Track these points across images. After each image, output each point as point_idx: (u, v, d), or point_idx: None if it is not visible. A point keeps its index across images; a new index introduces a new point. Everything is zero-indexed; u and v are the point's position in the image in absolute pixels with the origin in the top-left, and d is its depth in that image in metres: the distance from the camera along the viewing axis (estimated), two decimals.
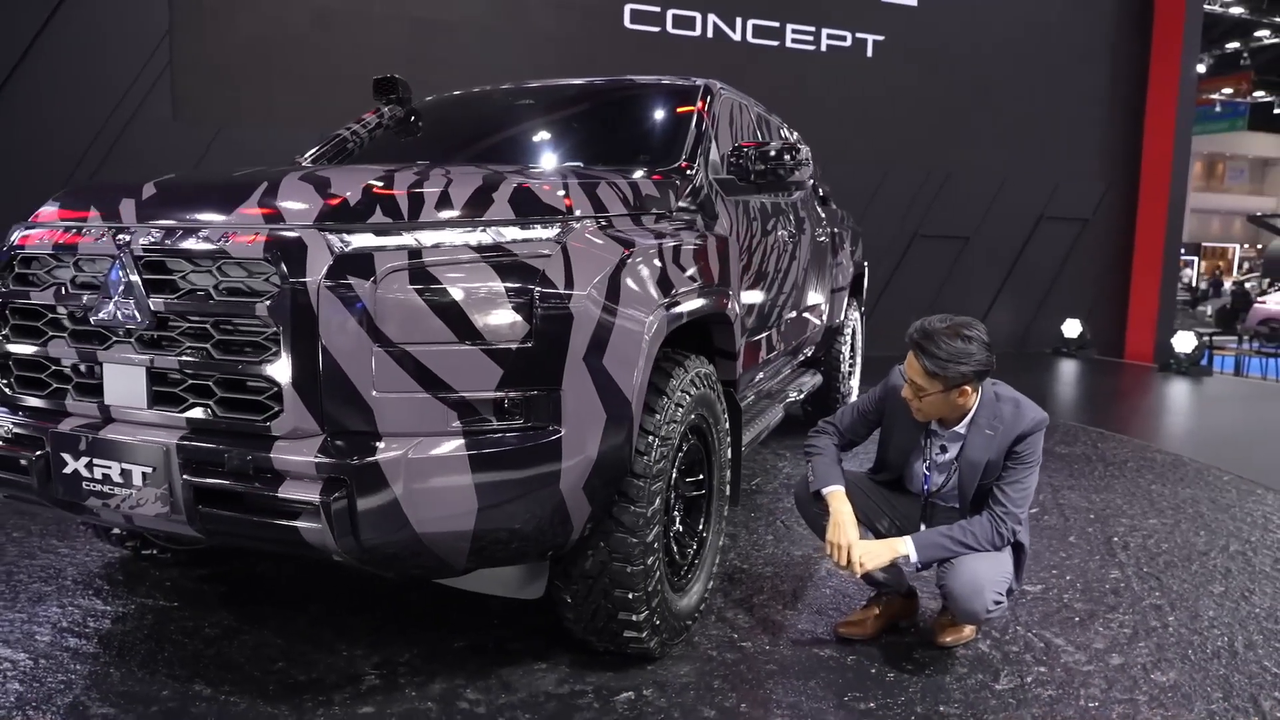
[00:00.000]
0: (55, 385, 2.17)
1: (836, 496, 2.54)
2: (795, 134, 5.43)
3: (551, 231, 2.08)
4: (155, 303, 1.99)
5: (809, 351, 5.24)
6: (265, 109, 7.38)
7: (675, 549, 2.57)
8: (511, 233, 2.03)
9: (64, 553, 3.24)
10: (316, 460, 1.85)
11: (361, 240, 1.94)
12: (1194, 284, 26.30)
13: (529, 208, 2.10)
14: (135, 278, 2.01)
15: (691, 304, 2.47)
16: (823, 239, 4.99)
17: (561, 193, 2.18)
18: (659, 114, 3.52)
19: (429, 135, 3.80)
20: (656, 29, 8.59)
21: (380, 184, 2.05)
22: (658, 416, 2.30)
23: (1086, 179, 10.49)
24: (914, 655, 2.59)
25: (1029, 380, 8.28)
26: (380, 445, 1.87)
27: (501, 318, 1.93)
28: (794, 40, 9.11)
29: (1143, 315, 10.40)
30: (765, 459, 4.96)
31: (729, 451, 2.89)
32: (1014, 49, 9.98)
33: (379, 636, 2.62)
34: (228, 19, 7.18)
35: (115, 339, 2.06)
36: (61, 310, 2.13)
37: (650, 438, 2.27)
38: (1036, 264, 10.38)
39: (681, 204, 2.78)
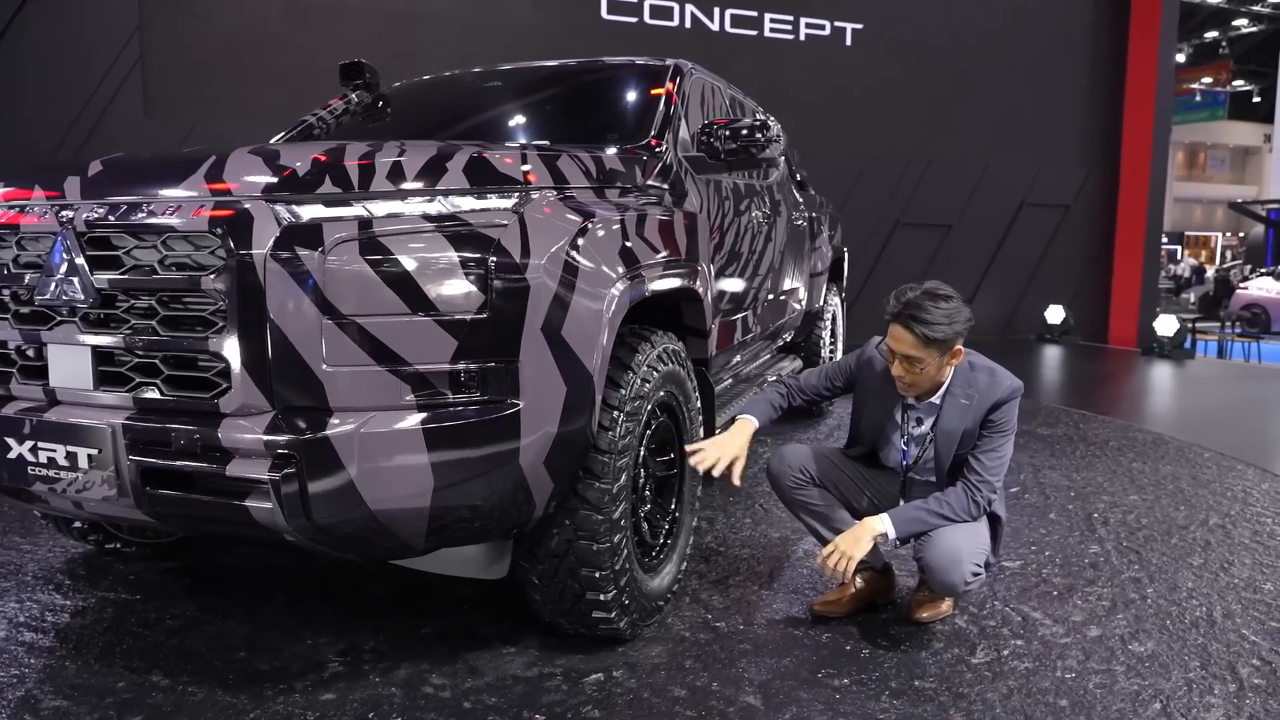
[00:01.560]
0: (4, 369, 2.11)
1: (745, 421, 2.59)
2: (772, 119, 5.39)
3: (508, 202, 2.03)
4: (99, 280, 1.94)
5: (788, 336, 5.21)
6: (241, 104, 7.30)
7: (646, 528, 2.53)
8: (467, 203, 1.98)
9: (26, 549, 3.16)
10: (265, 437, 1.79)
11: (310, 211, 1.88)
12: (1181, 274, 26.43)
13: (485, 178, 2.04)
14: (79, 256, 1.95)
15: (656, 278, 2.42)
16: (800, 223, 4.96)
17: (519, 163, 2.13)
18: (629, 93, 3.48)
19: (397, 120, 3.75)
20: (634, 20, 8.55)
21: (330, 155, 2.00)
22: (623, 391, 2.26)
23: (1067, 165, 10.51)
24: (890, 631, 2.56)
25: (1013, 365, 8.27)
26: (331, 420, 1.81)
27: (456, 288, 1.88)
28: (772, 29, 9.08)
29: (1125, 300, 10.42)
30: None
31: (701, 431, 2.85)
32: (993, 36, 9.99)
33: (345, 624, 2.56)
34: (200, 14, 7.10)
35: (60, 319, 2.00)
36: (4, 292, 2.07)
37: (615, 413, 2.22)
38: (1019, 251, 10.39)
39: (649, 180, 2.73)
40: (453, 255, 1.89)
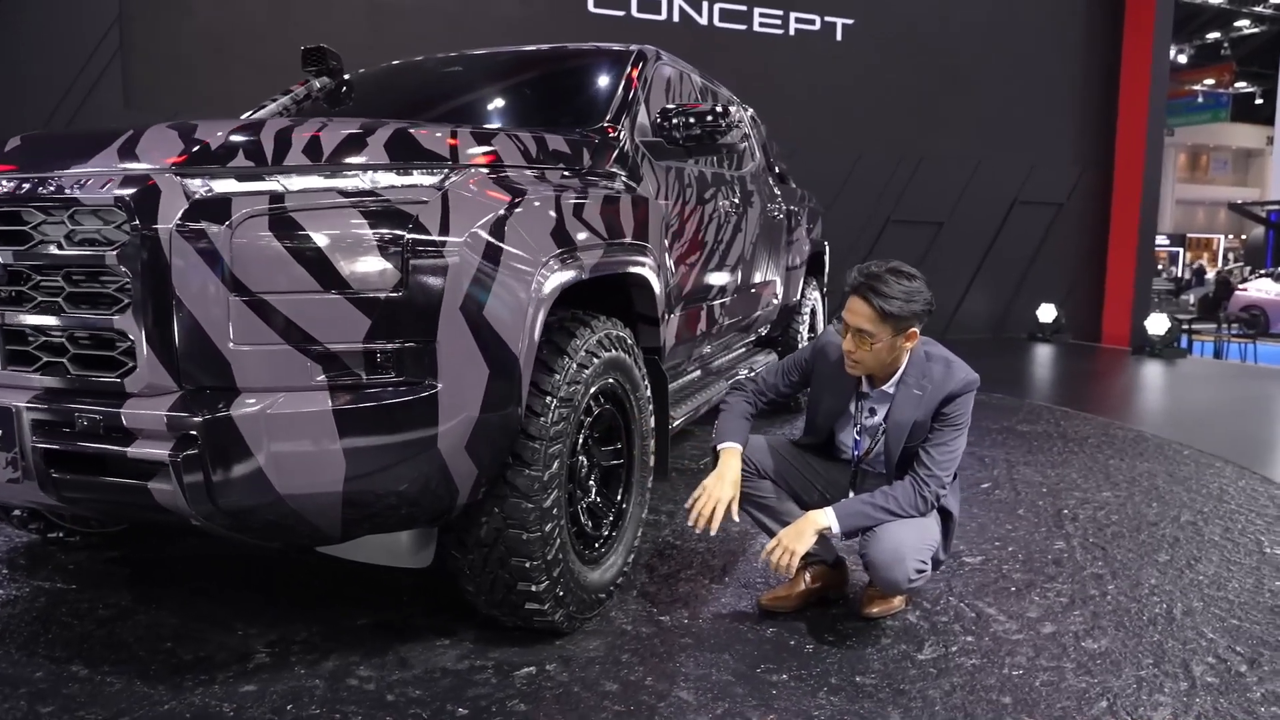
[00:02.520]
0: None
1: (730, 453, 2.48)
2: (750, 110, 5.33)
3: (432, 178, 1.96)
4: (5, 255, 1.88)
5: (764, 329, 5.15)
6: (222, 96, 7.22)
7: (587, 519, 2.46)
8: (387, 178, 1.92)
9: None
10: (167, 416, 1.73)
11: (222, 186, 1.82)
12: (1181, 276, 26.31)
13: (407, 154, 1.98)
14: None
15: (596, 261, 2.36)
16: (776, 215, 4.89)
17: (445, 140, 2.06)
18: (588, 78, 3.41)
19: (359, 105, 3.69)
20: (621, 13, 8.49)
21: (246, 129, 1.94)
22: (556, 377, 2.19)
23: (1061, 163, 10.42)
24: (838, 627, 2.49)
25: (1002, 364, 8.21)
26: (237, 400, 1.75)
27: (370, 265, 1.82)
28: (762, 24, 9.01)
29: (1119, 300, 10.34)
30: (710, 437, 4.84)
31: (651, 421, 2.78)
32: (986, 32, 9.91)
33: (281, 615, 2.50)
34: (181, 4, 7.05)
35: None
36: None
37: (548, 398, 2.16)
38: (1011, 249, 10.31)
39: (599, 164, 2.67)
40: (368, 231, 1.82)
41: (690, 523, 2.40)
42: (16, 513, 2.89)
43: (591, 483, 2.53)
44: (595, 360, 2.34)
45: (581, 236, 2.27)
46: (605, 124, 2.95)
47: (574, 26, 8.18)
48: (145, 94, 7.07)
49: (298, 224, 1.80)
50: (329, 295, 1.79)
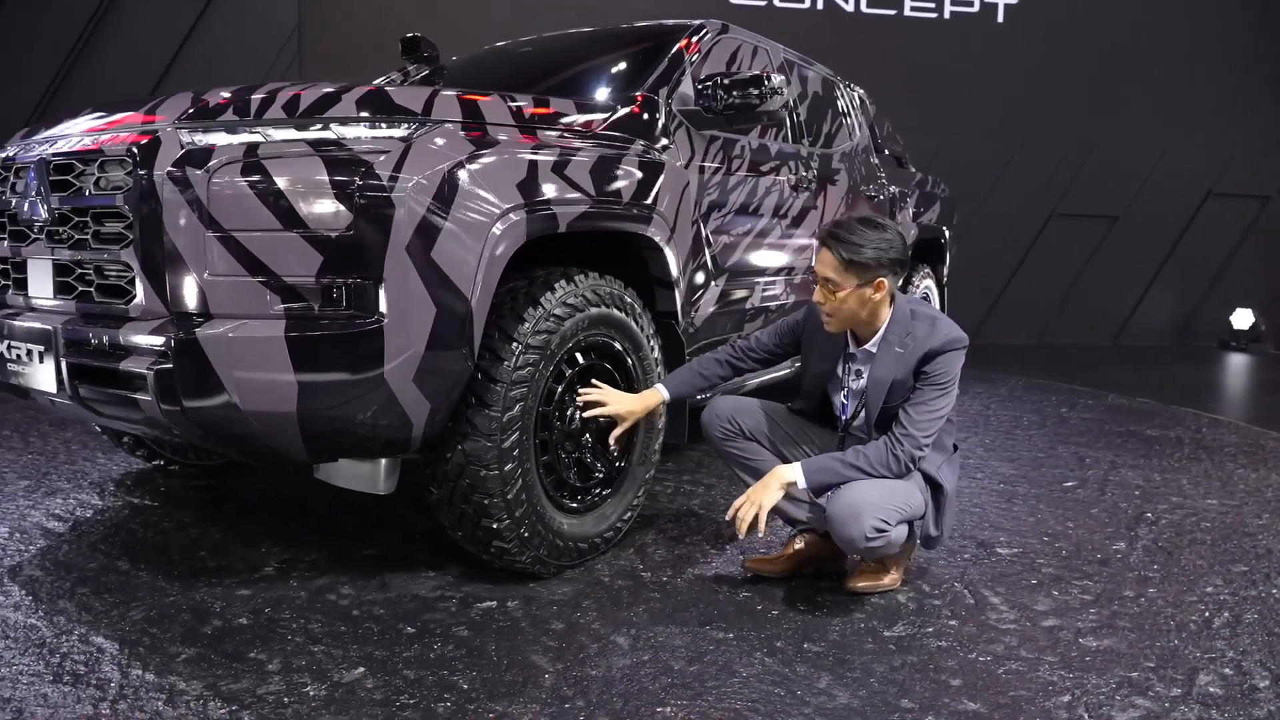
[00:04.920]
0: (4, 282, 2.47)
1: (652, 391, 2.56)
2: (859, 91, 5.16)
3: (401, 131, 2.12)
4: (56, 200, 2.22)
5: None
6: None
7: (573, 470, 2.53)
8: (355, 131, 2.09)
9: (100, 461, 3.64)
10: (149, 337, 1.99)
11: (210, 138, 2.06)
12: None
13: (378, 109, 2.14)
14: (43, 181, 2.24)
15: (577, 216, 2.41)
16: (875, 196, 4.71)
17: (421, 98, 2.21)
18: (642, 51, 3.47)
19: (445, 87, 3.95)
20: (763, 2, 8.42)
21: (241, 90, 2.17)
22: (526, 325, 2.28)
23: (1267, 152, 9.18)
24: (817, 598, 2.41)
25: (1175, 373, 7.39)
26: (207, 324, 1.98)
27: (325, 207, 1.99)
28: (914, 8, 8.62)
29: None
30: None
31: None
32: (1168, 6, 8.93)
33: (301, 541, 2.76)
34: (347, 13, 7.77)
35: (33, 236, 2.31)
36: (5, 216, 2.42)
37: (513, 344, 2.25)
38: (1202, 247, 9.21)
39: (612, 127, 2.73)
40: (324, 176, 2.00)
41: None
42: (125, 439, 3.36)
43: (586, 437, 2.60)
44: (576, 313, 2.41)
45: (556, 192, 2.35)
46: (637, 93, 3.01)
47: (710, 13, 8.20)
48: None
49: (266, 170, 2.00)
50: (288, 233, 1.98)
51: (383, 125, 2.12)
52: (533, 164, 2.31)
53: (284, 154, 2.02)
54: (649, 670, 1.98)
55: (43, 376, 2.23)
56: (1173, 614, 2.34)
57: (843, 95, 4.82)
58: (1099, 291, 9.15)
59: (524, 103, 2.48)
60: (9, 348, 2.31)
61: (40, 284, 2.32)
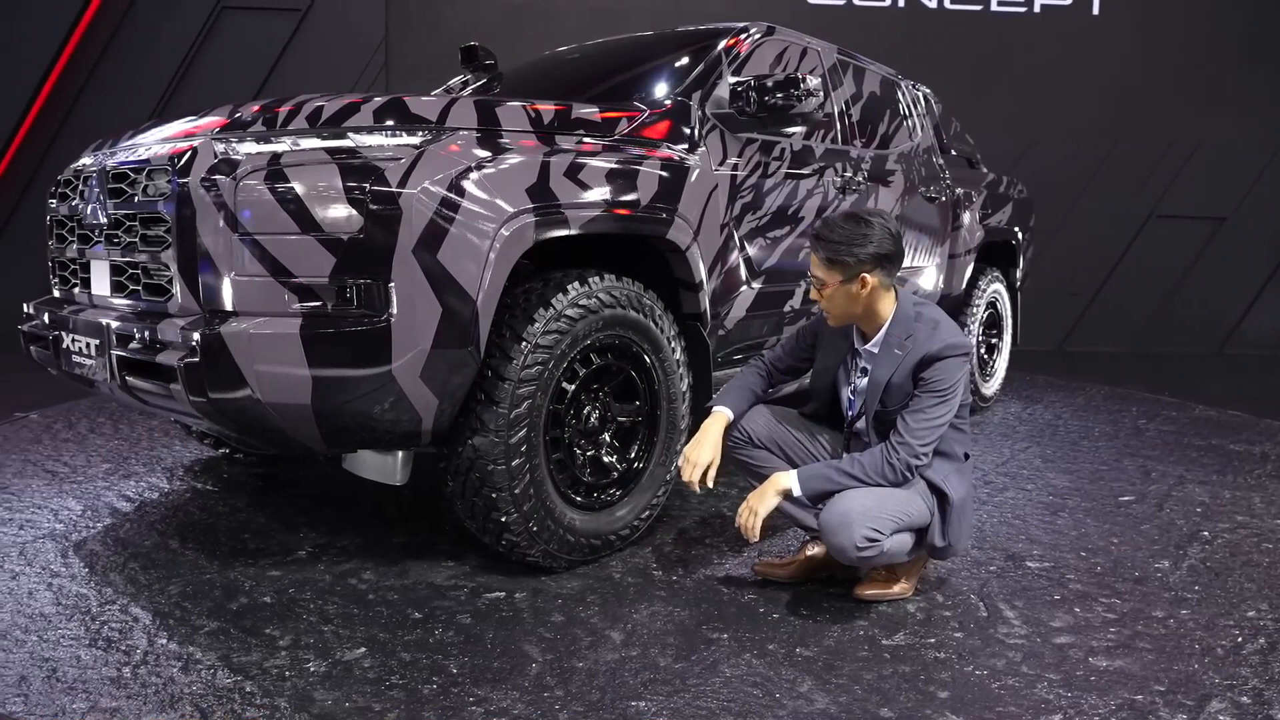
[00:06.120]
0: (74, 280, 2.70)
1: (717, 416, 2.45)
2: (924, 90, 5.04)
3: (415, 139, 2.22)
4: (112, 206, 2.42)
5: None
6: None
7: (586, 468, 2.59)
8: (372, 139, 2.20)
9: (176, 448, 3.91)
10: (180, 332, 2.15)
11: (243, 147, 2.21)
12: None
13: (395, 119, 2.26)
14: (103, 189, 2.45)
15: (589, 219, 2.46)
16: (936, 197, 4.60)
17: (434, 106, 2.31)
18: (681, 56, 3.50)
19: (501, 92, 4.08)
20: (841, 2, 8.29)
21: (272, 103, 2.32)
22: (536, 325, 2.35)
23: None
24: (823, 604, 2.39)
25: (1272, 384, 6.90)
26: (231, 320, 2.12)
27: (338, 211, 2.11)
28: (1002, 2, 8.32)
29: None
30: None
31: (684, 385, 2.83)
32: None
33: (338, 528, 2.91)
34: (432, 25, 8.07)
35: (94, 239, 2.53)
36: (75, 221, 2.65)
37: (522, 343, 2.33)
38: None
39: (636, 131, 2.78)
40: (338, 182, 2.12)
41: (687, 485, 2.41)
42: (194, 429, 3.61)
43: (605, 436, 2.65)
44: (588, 314, 2.47)
45: (568, 196, 2.41)
46: (666, 97, 3.05)
47: (790, 19, 8.12)
48: None
49: (286, 176, 2.13)
50: (304, 236, 2.11)
51: (400, 133, 2.23)
52: (544, 169, 2.38)
53: (303, 162, 2.15)
54: (634, 665, 2.02)
55: (99, 368, 2.43)
56: (1201, 637, 2.22)
57: (904, 95, 4.72)
58: (1203, 297, 8.60)
59: (545, 109, 2.55)
60: (74, 341, 2.53)
61: (100, 283, 2.53)
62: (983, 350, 5.25)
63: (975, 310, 5.05)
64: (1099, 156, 8.47)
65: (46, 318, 2.72)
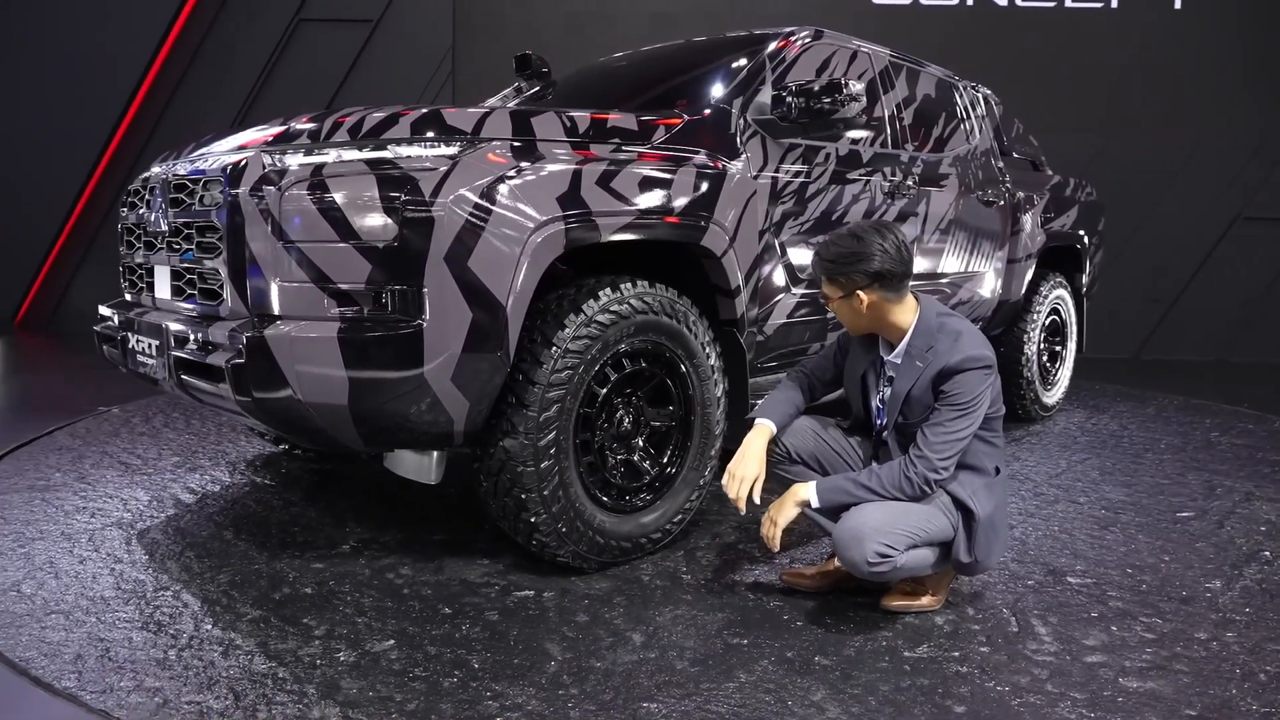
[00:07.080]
0: (140, 284, 2.88)
1: (759, 429, 2.42)
2: (985, 91, 4.93)
3: (450, 150, 2.30)
4: (173, 215, 2.57)
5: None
6: None
7: (618, 472, 2.63)
8: (410, 150, 2.29)
9: (241, 444, 4.11)
10: (228, 335, 2.27)
11: (290, 160, 2.32)
12: None
13: (433, 130, 2.34)
14: (165, 198, 2.60)
15: (621, 227, 2.51)
16: (994, 200, 4.50)
17: (470, 118, 2.38)
18: (727, 62, 3.51)
19: (554, 100, 4.16)
20: (908, 2, 8.15)
21: (315, 117, 2.43)
22: (566, 330, 2.41)
23: None
24: (849, 614, 2.37)
25: None
26: (272, 324, 2.23)
27: (375, 220, 2.20)
28: (1075, 0, 8.06)
29: None
30: None
31: (719, 391, 2.84)
32: None
33: (384, 524, 3.01)
34: (496, 35, 8.24)
35: (158, 246, 2.68)
36: (141, 228, 2.82)
37: (552, 348, 2.38)
38: None
39: (673, 139, 2.80)
40: (375, 192, 2.21)
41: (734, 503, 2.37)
42: (252, 427, 3.78)
43: (638, 441, 2.69)
44: (619, 320, 2.51)
45: (599, 204, 2.45)
46: (706, 104, 3.07)
47: (853, 21, 8.03)
48: (471, 106, 8.37)
49: (327, 187, 2.23)
50: (343, 244, 2.21)
51: (438, 144, 2.31)
52: (576, 177, 2.43)
53: (344, 173, 2.25)
54: (650, 668, 2.05)
55: (160, 367, 2.58)
56: (1244, 662, 2.13)
57: (961, 97, 4.63)
58: None
59: (580, 117, 2.60)
60: (138, 341, 2.69)
61: (162, 287, 2.68)
62: (1045, 358, 5.11)
63: (1036, 316, 4.91)
64: (1182, 157, 8.13)
65: (116, 319, 2.90)
